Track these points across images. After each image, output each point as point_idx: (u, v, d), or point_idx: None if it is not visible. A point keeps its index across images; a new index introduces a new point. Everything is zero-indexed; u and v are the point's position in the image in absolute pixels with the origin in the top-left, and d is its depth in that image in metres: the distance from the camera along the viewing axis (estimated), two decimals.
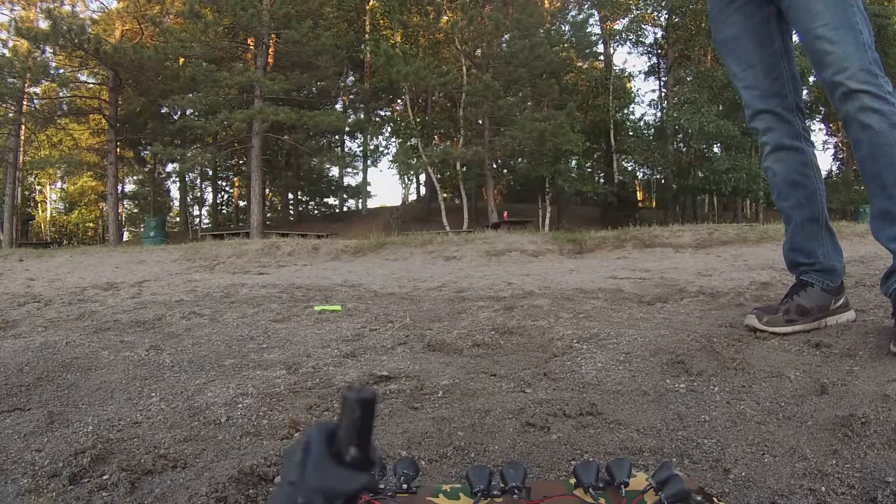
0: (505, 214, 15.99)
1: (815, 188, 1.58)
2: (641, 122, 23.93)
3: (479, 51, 18.46)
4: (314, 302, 2.83)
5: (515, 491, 0.64)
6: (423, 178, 26.38)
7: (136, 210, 32.36)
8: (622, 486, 0.63)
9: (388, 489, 0.65)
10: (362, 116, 22.85)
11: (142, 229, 19.55)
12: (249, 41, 18.62)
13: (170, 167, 27.32)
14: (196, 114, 18.45)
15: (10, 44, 18.29)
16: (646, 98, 58.76)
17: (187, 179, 28.26)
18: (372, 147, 25.29)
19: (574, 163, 21.47)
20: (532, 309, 2.22)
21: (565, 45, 21.42)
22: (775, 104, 1.58)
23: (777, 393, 1.10)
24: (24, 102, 18.74)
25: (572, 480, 0.67)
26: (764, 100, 1.58)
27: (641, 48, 24.94)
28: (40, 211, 33.28)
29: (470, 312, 2.25)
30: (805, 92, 23.51)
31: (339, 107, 23.52)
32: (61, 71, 17.90)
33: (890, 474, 0.75)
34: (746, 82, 1.61)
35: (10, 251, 10.11)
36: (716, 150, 21.63)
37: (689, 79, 22.68)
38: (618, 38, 23.17)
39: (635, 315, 2.04)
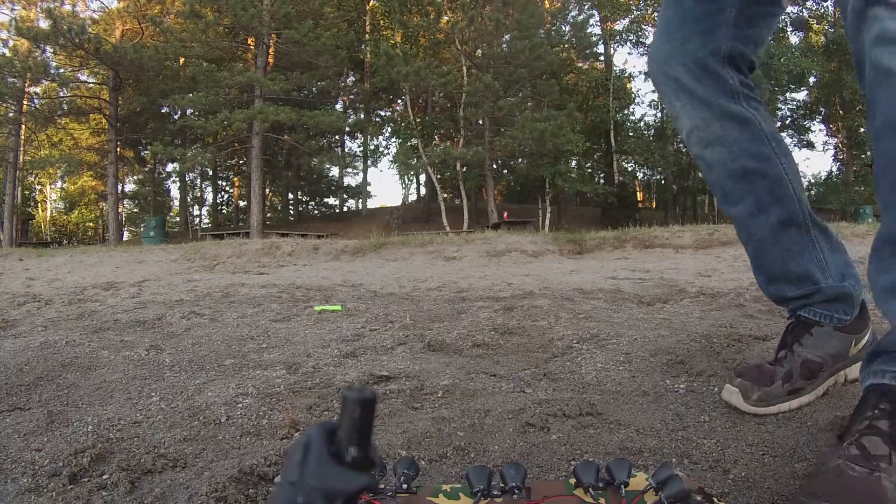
0: (505, 215, 16.03)
1: (779, 172, 0.99)
2: (641, 123, 24.05)
3: (479, 51, 18.49)
4: (314, 302, 2.84)
5: (515, 491, 0.64)
6: (423, 178, 26.42)
7: (136, 210, 32.43)
8: (622, 486, 0.63)
9: (388, 489, 0.65)
10: (362, 116, 22.89)
11: (142, 229, 19.57)
12: (249, 41, 18.63)
13: (170, 167, 27.43)
14: (196, 114, 18.48)
15: (11, 43, 18.33)
16: (646, 99, 58.76)
17: (187, 179, 28.32)
18: (372, 147, 25.40)
19: (574, 163, 21.54)
20: (532, 309, 2.23)
21: (566, 45, 21.49)
22: (696, 48, 0.98)
23: None
24: (25, 102, 18.76)
25: (572, 480, 0.67)
26: (681, 45, 0.99)
27: (642, 49, 24.96)
28: (40, 210, 33.30)
29: (470, 313, 2.25)
30: (804, 93, 23.58)
31: (339, 107, 23.57)
32: (61, 71, 17.93)
33: None
34: (664, 21, 1.03)
35: (10, 251, 10.11)
36: None
37: None
38: (618, 38, 23.20)
39: (635, 315, 2.04)
